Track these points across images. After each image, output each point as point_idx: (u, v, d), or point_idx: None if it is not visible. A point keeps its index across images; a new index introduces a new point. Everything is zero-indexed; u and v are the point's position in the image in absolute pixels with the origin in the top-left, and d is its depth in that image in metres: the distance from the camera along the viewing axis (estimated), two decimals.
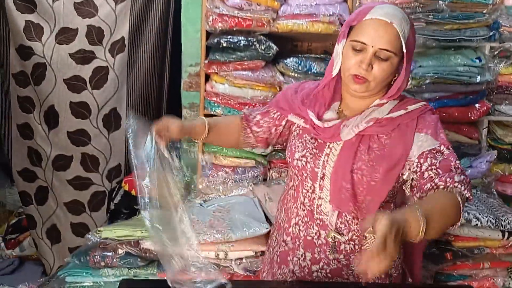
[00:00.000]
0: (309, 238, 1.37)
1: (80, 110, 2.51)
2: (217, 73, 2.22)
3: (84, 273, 1.93)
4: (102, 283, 1.92)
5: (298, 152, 1.37)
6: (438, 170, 1.22)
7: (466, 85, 2.32)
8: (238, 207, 2.06)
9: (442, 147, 1.26)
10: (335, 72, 1.33)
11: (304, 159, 1.35)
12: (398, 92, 1.30)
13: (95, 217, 2.63)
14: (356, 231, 1.34)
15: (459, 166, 1.25)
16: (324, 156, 1.33)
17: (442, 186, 1.19)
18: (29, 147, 2.57)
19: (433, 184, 1.20)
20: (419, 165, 1.26)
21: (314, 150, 1.35)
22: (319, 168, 1.33)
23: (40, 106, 2.49)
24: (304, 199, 1.38)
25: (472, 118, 2.35)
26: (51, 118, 2.51)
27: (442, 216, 1.12)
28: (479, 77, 2.29)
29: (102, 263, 1.90)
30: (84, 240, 2.45)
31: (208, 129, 1.43)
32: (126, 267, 1.91)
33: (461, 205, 1.17)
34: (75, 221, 2.62)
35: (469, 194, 1.20)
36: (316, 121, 1.34)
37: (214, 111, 2.26)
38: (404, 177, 1.30)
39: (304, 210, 1.38)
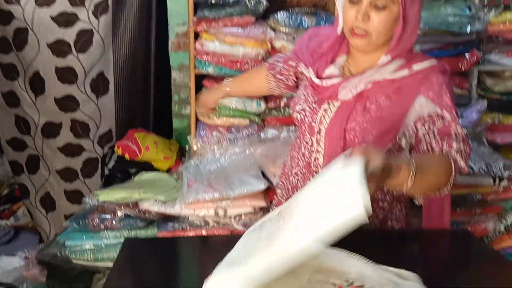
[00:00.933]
0: None
1: (67, 75, 2.44)
2: (206, 31, 2.17)
3: (84, 237, 1.93)
4: (103, 245, 1.93)
5: (299, 104, 1.39)
6: (436, 136, 1.20)
7: (456, 35, 2.31)
8: (234, 166, 2.06)
9: (444, 111, 1.20)
10: (339, 29, 1.29)
11: (303, 112, 1.37)
12: (400, 44, 1.21)
13: (89, 183, 2.60)
14: None
15: (461, 133, 1.20)
16: (322, 112, 1.33)
17: (437, 151, 1.18)
18: (16, 115, 2.51)
19: (429, 148, 1.20)
20: (414, 131, 1.23)
21: (314, 105, 1.35)
22: (316, 123, 1.34)
23: (25, 73, 2.41)
24: (304, 150, 1.41)
25: (463, 68, 2.35)
26: (37, 84, 2.43)
27: (432, 175, 1.11)
28: (469, 26, 2.29)
29: (102, 226, 1.91)
30: (80, 207, 2.47)
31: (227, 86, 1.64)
32: (126, 229, 1.92)
33: (453, 173, 1.15)
34: (68, 188, 2.59)
35: (465, 166, 1.18)
36: (315, 80, 1.32)
37: (206, 70, 2.22)
38: (402, 144, 1.28)
39: (303, 161, 1.42)
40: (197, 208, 1.87)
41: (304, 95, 1.39)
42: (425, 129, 1.21)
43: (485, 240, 2.20)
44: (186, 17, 2.34)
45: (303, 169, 1.42)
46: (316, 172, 1.37)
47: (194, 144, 2.24)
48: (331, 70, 1.33)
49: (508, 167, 2.11)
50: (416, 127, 1.23)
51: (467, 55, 2.35)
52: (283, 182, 1.55)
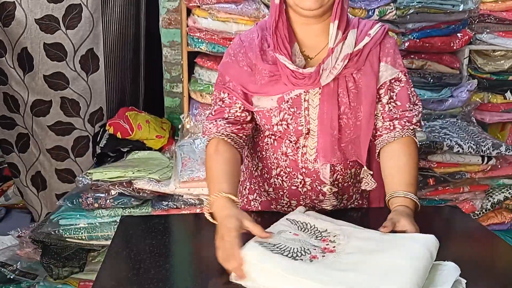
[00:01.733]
0: (293, 187, 1.35)
1: (56, 51, 2.39)
2: (199, 7, 2.14)
3: (78, 215, 1.94)
4: (97, 223, 1.94)
5: (275, 117, 1.26)
6: (397, 102, 1.27)
7: (449, 14, 2.32)
8: None
9: (400, 74, 1.27)
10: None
11: (284, 122, 1.26)
12: (340, 8, 1.19)
13: (80, 162, 2.58)
14: (340, 171, 1.32)
15: (414, 93, 1.30)
16: (304, 111, 1.25)
17: (399, 130, 1.26)
18: (5, 93, 2.47)
19: (391, 125, 1.27)
20: (378, 96, 1.27)
21: (292, 110, 1.25)
22: (302, 125, 1.26)
23: (12, 49, 2.35)
24: (287, 149, 1.32)
25: (455, 47, 2.37)
26: (25, 61, 2.38)
27: (416, 173, 1.25)
28: (462, 5, 2.29)
29: (96, 205, 1.91)
30: (71, 186, 2.46)
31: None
32: (120, 207, 1.93)
33: (416, 152, 1.28)
34: (59, 167, 2.56)
35: (420, 129, 1.30)
36: (292, 66, 1.21)
37: (198, 47, 2.20)
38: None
39: (286, 160, 1.32)
40: (191, 186, 1.88)
41: (275, 107, 1.26)
42: (388, 96, 1.27)
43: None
44: None
45: (288, 168, 1.33)
46: (305, 168, 1.31)
47: (187, 122, 2.24)
48: (298, 60, 1.25)
49: (496, 146, 2.14)
50: (379, 93, 1.27)
51: (459, 34, 2.36)
52: (258, 187, 1.43)
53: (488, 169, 2.21)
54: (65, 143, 2.55)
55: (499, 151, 2.14)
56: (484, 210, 2.30)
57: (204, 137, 1.34)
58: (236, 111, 1.29)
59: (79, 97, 2.50)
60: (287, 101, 1.25)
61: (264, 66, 1.25)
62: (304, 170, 1.32)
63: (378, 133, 1.30)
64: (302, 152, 1.30)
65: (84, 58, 2.45)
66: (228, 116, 1.29)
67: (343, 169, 1.33)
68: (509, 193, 2.30)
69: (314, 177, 1.32)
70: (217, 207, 1.12)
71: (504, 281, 1.05)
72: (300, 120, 1.26)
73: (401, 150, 1.26)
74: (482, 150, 2.14)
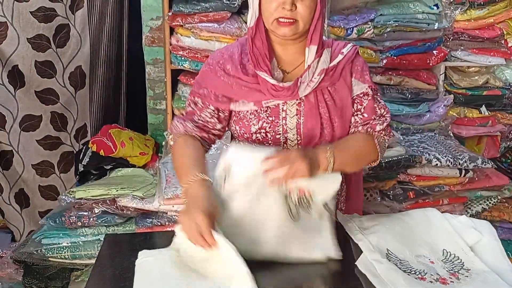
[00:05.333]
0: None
1: (46, 69, 2.45)
2: (182, 26, 2.18)
3: (61, 234, 1.93)
4: (80, 242, 1.93)
5: (254, 125, 1.33)
6: (364, 114, 1.36)
7: (424, 32, 2.40)
8: (212, 161, 2.08)
9: (368, 89, 1.36)
10: (250, 22, 1.28)
11: (262, 130, 1.33)
12: (316, 30, 1.27)
13: (65, 178, 2.59)
14: None
15: (382, 105, 1.39)
16: (282, 121, 1.33)
17: (363, 132, 1.35)
18: None
19: (355, 130, 1.36)
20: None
21: (270, 118, 1.32)
22: (280, 134, 1.33)
23: (3, 66, 2.38)
24: None
25: (431, 64, 2.45)
26: (17, 78, 2.42)
27: (354, 154, 1.31)
28: (436, 24, 2.38)
29: (79, 223, 1.90)
30: (55, 203, 2.44)
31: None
32: (104, 225, 1.92)
33: (378, 147, 1.35)
34: (43, 183, 2.57)
35: (388, 138, 1.39)
36: (272, 81, 1.28)
37: (182, 65, 2.23)
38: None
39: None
40: (175, 203, 1.89)
41: (254, 114, 1.33)
42: (354, 109, 1.36)
43: None
44: (160, 11, 2.33)
45: None
46: None
47: (171, 139, 2.24)
48: (277, 74, 1.32)
49: (473, 159, 2.21)
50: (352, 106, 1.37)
51: (434, 51, 2.45)
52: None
53: (465, 181, 2.27)
54: (52, 158, 2.57)
55: (475, 164, 2.20)
56: None
57: (169, 133, 1.41)
58: (206, 115, 1.36)
59: (68, 112, 2.56)
60: (266, 110, 1.32)
61: (244, 78, 1.31)
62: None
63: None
64: None
65: (73, 75, 2.52)
66: (198, 120, 1.36)
67: None
68: (487, 204, 2.35)
69: None
70: (193, 188, 1.17)
71: None
72: (278, 129, 1.33)
73: (354, 134, 1.36)
74: (459, 163, 2.20)
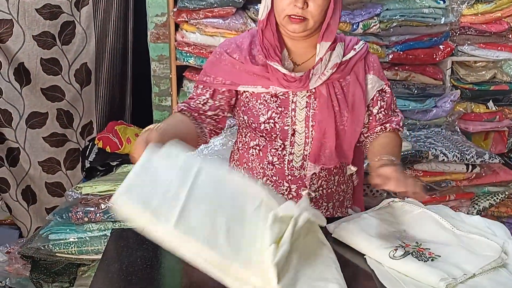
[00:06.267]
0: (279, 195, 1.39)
1: (52, 66, 2.45)
2: (187, 22, 2.17)
3: (67, 230, 1.93)
4: (87, 238, 1.93)
5: (263, 115, 1.33)
6: (385, 111, 1.40)
7: (431, 26, 2.38)
8: (217, 157, 2.08)
9: (385, 86, 1.40)
10: (262, 15, 1.29)
11: (271, 120, 1.33)
12: (329, 28, 1.28)
13: (71, 175, 2.61)
14: (324, 177, 1.39)
15: (395, 102, 1.45)
16: (291, 112, 1.33)
17: (389, 129, 1.39)
18: None
19: (382, 128, 1.39)
20: (371, 107, 1.39)
21: (280, 109, 1.33)
22: (288, 125, 1.33)
23: (9, 64, 2.38)
24: (273, 158, 1.37)
25: (437, 59, 2.43)
26: (23, 75, 2.42)
27: (399, 156, 1.35)
28: (443, 18, 2.36)
29: (86, 219, 1.91)
30: (61, 200, 2.46)
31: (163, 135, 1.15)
32: (110, 221, 1.92)
33: (401, 142, 1.43)
34: (50, 180, 2.58)
35: (402, 130, 1.44)
36: (283, 70, 1.29)
37: (187, 61, 2.23)
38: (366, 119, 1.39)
39: (272, 169, 1.38)
40: None
41: (263, 103, 1.33)
42: (378, 106, 1.39)
43: None
44: (165, 7, 2.33)
45: (274, 177, 1.38)
46: (291, 175, 1.36)
47: None
48: (285, 63, 1.33)
49: (480, 154, 2.19)
50: (371, 104, 1.39)
51: (441, 46, 2.43)
52: None
53: (472, 177, 2.26)
54: (58, 155, 2.58)
55: (483, 159, 2.19)
56: None
57: None
58: (200, 102, 1.36)
59: (74, 109, 2.56)
60: (275, 101, 1.32)
61: (253, 68, 1.32)
62: (290, 177, 1.37)
63: (366, 137, 1.40)
64: (288, 159, 1.36)
65: (78, 72, 2.53)
66: (192, 104, 1.36)
67: (327, 175, 1.39)
68: (494, 200, 2.34)
69: (299, 183, 1.38)
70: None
71: None
72: (287, 120, 1.33)
73: (385, 136, 1.39)
74: (466, 159, 2.19)
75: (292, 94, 1.33)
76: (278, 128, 1.33)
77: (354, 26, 2.27)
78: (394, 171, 1.12)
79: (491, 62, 2.55)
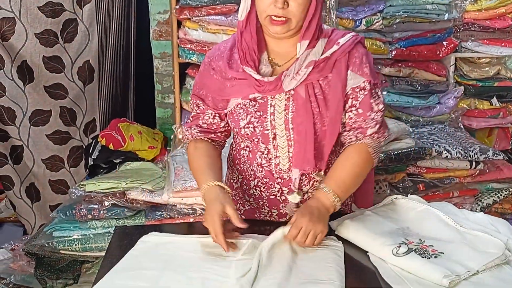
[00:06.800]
0: (272, 197, 1.39)
1: (54, 64, 2.46)
2: (189, 19, 2.17)
3: (71, 227, 1.94)
4: (91, 235, 1.94)
5: (242, 120, 1.31)
6: (358, 110, 1.29)
7: (434, 23, 2.38)
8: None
9: (366, 83, 1.27)
10: (241, 16, 1.26)
11: (250, 125, 1.31)
12: (311, 26, 1.23)
13: (74, 173, 2.62)
14: (314, 178, 1.35)
15: (381, 101, 1.31)
16: (270, 116, 1.29)
17: (354, 139, 1.31)
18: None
19: (351, 136, 1.31)
20: (345, 105, 1.30)
21: (258, 113, 1.30)
22: (268, 129, 1.30)
23: (12, 62, 2.39)
24: (261, 161, 1.35)
25: (440, 55, 2.42)
26: (26, 73, 2.43)
27: (353, 177, 1.30)
28: (446, 14, 2.35)
29: (89, 216, 1.92)
30: (65, 197, 2.46)
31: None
32: (114, 218, 1.93)
33: (373, 153, 1.32)
34: (53, 178, 2.59)
35: (383, 139, 1.34)
36: (256, 76, 1.25)
37: (190, 58, 2.23)
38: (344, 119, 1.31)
39: (262, 171, 1.37)
40: (184, 196, 1.89)
41: (243, 108, 1.31)
42: (349, 105, 1.29)
43: None
44: (168, 5, 2.33)
45: (265, 179, 1.37)
46: (280, 178, 1.34)
47: (179, 133, 2.25)
48: (264, 68, 1.29)
49: (484, 151, 2.19)
50: (345, 101, 1.29)
51: (444, 42, 2.42)
52: (239, 198, 1.45)
53: (476, 173, 2.25)
54: (62, 153, 2.59)
55: (486, 155, 2.18)
56: None
57: (177, 127, 1.47)
58: (209, 117, 1.38)
59: (77, 107, 2.57)
60: (254, 105, 1.30)
61: (232, 74, 1.30)
62: (279, 179, 1.36)
63: (343, 140, 1.34)
64: (275, 163, 1.34)
65: (81, 69, 2.53)
66: (202, 124, 1.39)
67: (316, 177, 1.35)
68: (498, 197, 2.33)
69: (289, 185, 1.35)
70: (208, 194, 1.27)
71: None
72: (266, 124, 1.30)
73: (346, 152, 1.33)
74: (470, 155, 2.18)
75: (271, 97, 1.29)
76: (259, 133, 1.31)
77: (357, 22, 2.26)
78: (300, 223, 1.17)
79: (495, 58, 2.53)
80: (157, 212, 1.94)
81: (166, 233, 1.28)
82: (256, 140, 1.33)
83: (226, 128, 1.41)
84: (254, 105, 1.30)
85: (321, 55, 1.26)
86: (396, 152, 2.10)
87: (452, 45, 2.42)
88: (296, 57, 1.26)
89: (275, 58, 1.31)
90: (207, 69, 1.35)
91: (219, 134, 1.41)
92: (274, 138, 1.31)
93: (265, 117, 1.30)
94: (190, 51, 2.22)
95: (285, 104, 1.29)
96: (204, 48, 2.20)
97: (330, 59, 1.26)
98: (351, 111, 1.30)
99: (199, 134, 1.39)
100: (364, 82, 1.28)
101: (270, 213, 1.42)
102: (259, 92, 1.28)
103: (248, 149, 1.37)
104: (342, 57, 1.27)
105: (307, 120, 1.27)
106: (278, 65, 1.30)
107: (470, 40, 2.46)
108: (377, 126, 1.30)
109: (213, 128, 1.39)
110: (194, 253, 1.18)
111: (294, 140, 1.30)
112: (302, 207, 1.27)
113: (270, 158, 1.34)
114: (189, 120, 1.44)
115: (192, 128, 1.39)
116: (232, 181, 1.47)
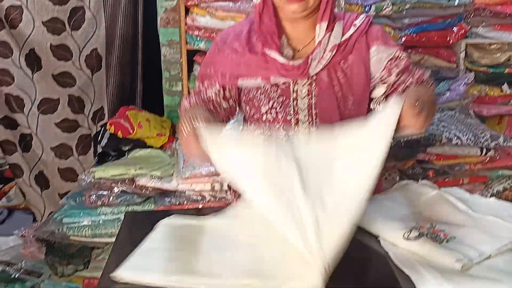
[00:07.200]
0: None
1: (62, 52, 2.46)
2: (197, 5, 2.16)
3: (81, 213, 1.95)
4: (100, 221, 1.95)
5: (264, 105, 1.30)
6: (404, 75, 1.30)
7: (444, 8, 2.34)
8: None
9: (398, 51, 1.30)
10: None
11: (273, 110, 1.30)
12: (328, 7, 1.23)
13: (83, 160, 2.63)
14: None
15: (412, 62, 1.35)
16: (293, 101, 1.29)
17: (414, 83, 1.29)
18: (7, 94, 2.49)
19: (406, 86, 1.29)
20: (385, 78, 1.29)
21: (281, 98, 1.29)
22: (291, 115, 1.30)
23: (20, 50, 2.40)
24: None
25: (451, 41, 2.39)
26: (34, 61, 2.44)
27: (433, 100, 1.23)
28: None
29: (99, 202, 1.93)
30: (74, 185, 2.48)
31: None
32: (123, 205, 1.94)
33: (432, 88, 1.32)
34: (62, 166, 2.61)
35: (428, 78, 1.33)
36: (282, 59, 1.24)
37: (197, 45, 2.21)
38: (373, 95, 1.31)
39: None
40: (193, 182, 1.90)
41: (264, 94, 1.30)
42: (394, 75, 1.29)
43: None
44: None
45: None
46: None
47: None
48: (286, 52, 1.28)
49: (495, 137, 2.16)
50: (385, 75, 1.30)
51: (454, 28, 2.39)
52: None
53: (487, 160, 2.23)
54: (70, 141, 2.61)
55: (497, 142, 2.16)
56: None
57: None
58: (212, 94, 1.33)
59: (85, 95, 2.58)
60: (276, 90, 1.29)
61: (252, 57, 1.28)
62: None
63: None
64: None
65: (89, 57, 2.53)
66: (203, 97, 1.34)
67: None
68: (508, 184, 2.31)
69: None
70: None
71: None
72: (289, 110, 1.29)
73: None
74: (480, 142, 2.16)
75: (293, 83, 1.28)
76: (281, 118, 1.31)
77: (366, 8, 2.23)
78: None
79: (506, 44, 2.50)
80: (166, 198, 1.95)
81: (190, 215, 1.23)
82: (277, 126, 1.31)
83: (226, 110, 1.36)
84: (276, 91, 1.29)
85: (341, 38, 1.26)
86: (406, 139, 2.09)
87: (463, 31, 2.39)
88: (318, 40, 1.25)
89: (293, 43, 1.30)
90: (221, 48, 1.32)
91: (218, 109, 1.35)
92: (296, 124, 1.30)
93: (288, 103, 1.29)
94: (198, 38, 2.21)
95: (308, 90, 1.28)
96: (212, 35, 2.18)
97: (349, 41, 1.27)
98: (399, 76, 1.29)
99: (198, 102, 1.32)
100: (397, 51, 1.30)
101: None
102: (284, 76, 1.27)
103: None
104: (361, 38, 1.28)
105: (331, 105, 1.27)
106: (297, 49, 1.30)
107: (481, 26, 2.44)
108: (420, 69, 1.33)
109: (214, 104, 1.34)
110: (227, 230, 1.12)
111: (318, 125, 1.29)
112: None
113: None
114: (189, 95, 1.39)
115: (192, 98, 1.34)
116: None
